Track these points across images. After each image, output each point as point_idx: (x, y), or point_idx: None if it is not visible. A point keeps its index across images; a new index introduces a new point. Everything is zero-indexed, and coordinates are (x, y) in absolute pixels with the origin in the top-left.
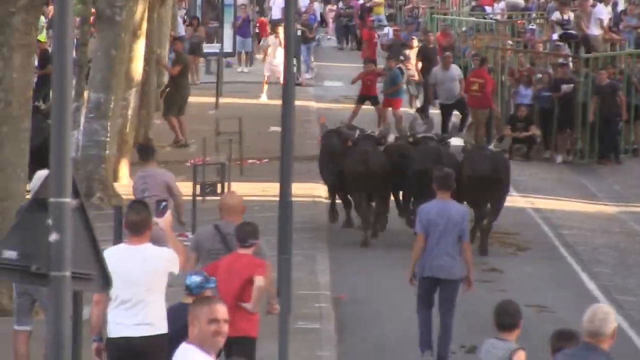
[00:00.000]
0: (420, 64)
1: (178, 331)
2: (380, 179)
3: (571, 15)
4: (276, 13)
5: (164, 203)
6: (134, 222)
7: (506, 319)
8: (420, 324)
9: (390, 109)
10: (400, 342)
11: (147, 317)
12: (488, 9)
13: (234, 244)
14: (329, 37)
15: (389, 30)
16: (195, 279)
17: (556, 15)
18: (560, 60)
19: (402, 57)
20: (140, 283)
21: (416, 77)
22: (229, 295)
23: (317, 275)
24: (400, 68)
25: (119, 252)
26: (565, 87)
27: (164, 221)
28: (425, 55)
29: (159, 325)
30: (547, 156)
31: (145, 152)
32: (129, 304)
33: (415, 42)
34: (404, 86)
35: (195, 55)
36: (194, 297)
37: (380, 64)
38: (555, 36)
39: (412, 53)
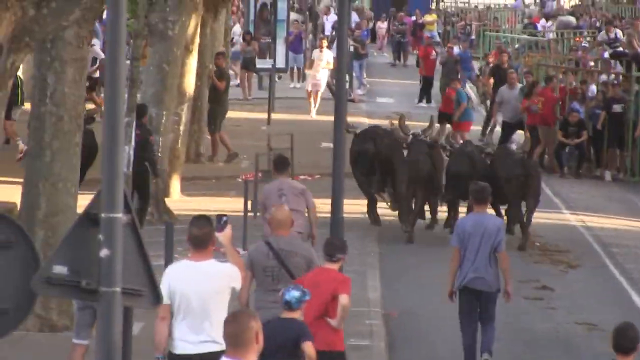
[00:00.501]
0: (492, 82)
1: (277, 347)
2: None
3: (618, 33)
4: (328, 28)
5: (224, 218)
6: (197, 237)
7: (625, 343)
8: (466, 347)
9: (461, 132)
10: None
11: (211, 334)
12: (539, 26)
13: (288, 259)
14: (384, 53)
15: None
16: (295, 293)
17: (602, 35)
18: (612, 78)
19: (477, 73)
20: (203, 299)
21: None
22: (314, 309)
23: (367, 292)
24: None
25: (182, 268)
26: (615, 107)
27: (224, 236)
28: (497, 74)
29: (222, 342)
30: (597, 174)
31: (281, 163)
32: (193, 321)
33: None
34: (471, 107)
35: (249, 71)
36: (294, 311)
37: (436, 81)
38: (605, 54)
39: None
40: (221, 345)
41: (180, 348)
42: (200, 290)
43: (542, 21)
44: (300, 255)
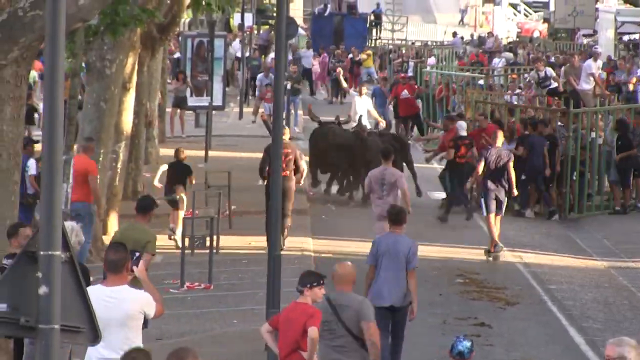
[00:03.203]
0: None
1: None
2: None
3: (548, 70)
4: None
5: (137, 254)
6: (112, 261)
7: None
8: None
9: None
10: None
11: (120, 354)
12: (493, 62)
13: (343, 313)
14: (321, 91)
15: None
16: (466, 343)
17: (532, 75)
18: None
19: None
20: (115, 322)
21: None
22: (288, 344)
23: None
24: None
25: (94, 291)
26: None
27: (139, 271)
28: None
29: None
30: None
31: (388, 153)
32: (106, 342)
33: None
34: None
35: (181, 109)
36: None
37: None
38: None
39: None
40: None
41: None
42: (111, 314)
43: (495, 60)
44: (352, 308)
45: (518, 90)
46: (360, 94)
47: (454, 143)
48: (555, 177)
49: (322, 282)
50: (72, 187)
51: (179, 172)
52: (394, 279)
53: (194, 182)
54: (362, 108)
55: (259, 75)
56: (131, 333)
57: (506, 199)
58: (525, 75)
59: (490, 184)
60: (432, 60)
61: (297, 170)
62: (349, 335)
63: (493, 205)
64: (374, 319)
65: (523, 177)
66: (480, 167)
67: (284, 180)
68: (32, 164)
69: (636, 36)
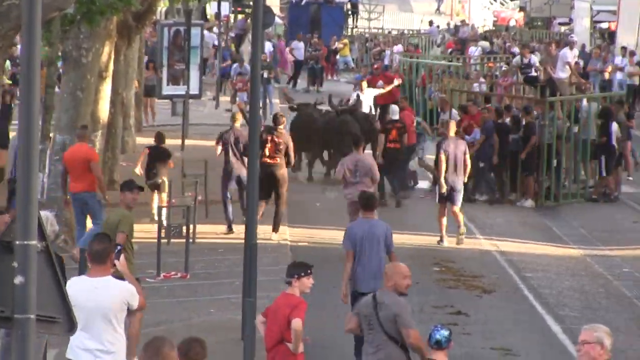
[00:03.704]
0: None
1: None
2: None
3: (533, 58)
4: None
5: (119, 247)
6: (97, 252)
7: None
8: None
9: None
10: None
11: (106, 345)
12: (469, 51)
13: (383, 313)
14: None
15: None
16: (444, 332)
17: (516, 60)
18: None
19: None
20: (99, 312)
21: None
22: (273, 335)
23: None
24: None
25: (79, 282)
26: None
27: (121, 264)
28: None
29: (116, 351)
30: (512, 199)
31: (358, 141)
32: (89, 332)
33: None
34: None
35: (151, 97)
36: (443, 350)
37: None
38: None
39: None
40: (114, 355)
41: (74, 354)
42: (96, 304)
43: (472, 49)
44: (392, 310)
45: (482, 80)
46: (362, 90)
47: (384, 127)
48: (533, 165)
49: (309, 272)
50: (72, 177)
51: (158, 156)
52: (377, 264)
53: (172, 166)
54: (368, 101)
55: (234, 66)
56: (115, 324)
57: (462, 187)
58: (501, 64)
59: (447, 174)
60: (399, 48)
61: (288, 162)
62: (384, 334)
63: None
64: (415, 326)
65: (481, 164)
66: (443, 159)
67: (276, 167)
68: None
69: (612, 25)
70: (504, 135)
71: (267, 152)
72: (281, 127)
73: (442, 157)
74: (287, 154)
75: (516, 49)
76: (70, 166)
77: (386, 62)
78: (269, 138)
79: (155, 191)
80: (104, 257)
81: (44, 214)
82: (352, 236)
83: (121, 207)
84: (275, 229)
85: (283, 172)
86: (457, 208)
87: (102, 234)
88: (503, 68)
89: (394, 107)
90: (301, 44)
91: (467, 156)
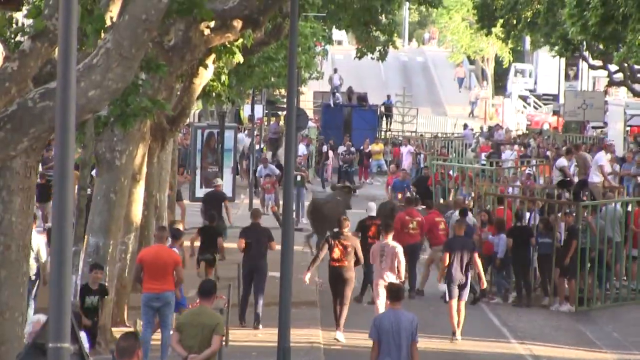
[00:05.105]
0: None
1: None
2: None
3: (573, 163)
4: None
5: None
6: (123, 348)
7: None
8: None
9: None
10: None
11: None
12: (504, 154)
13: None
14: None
15: None
16: None
17: (561, 162)
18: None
19: None
20: None
21: None
22: None
23: None
24: None
25: None
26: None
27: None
28: None
29: None
30: (546, 303)
31: (386, 225)
32: None
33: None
34: None
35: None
36: None
37: None
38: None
39: None
40: None
41: None
42: None
43: (507, 152)
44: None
45: (517, 183)
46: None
47: (361, 224)
48: (574, 269)
49: None
50: (153, 276)
51: (210, 236)
52: (400, 353)
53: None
54: None
55: (259, 167)
56: None
57: (469, 286)
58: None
59: (454, 272)
60: (409, 149)
61: (357, 261)
62: None
63: (455, 291)
64: None
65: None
66: (446, 258)
67: (345, 270)
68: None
69: None
70: (525, 238)
71: (334, 256)
72: (346, 229)
73: (446, 254)
74: (355, 254)
75: (549, 153)
76: (150, 266)
77: (422, 164)
78: (336, 242)
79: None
80: (130, 352)
81: (38, 317)
82: (378, 326)
83: (205, 307)
84: (338, 327)
85: (350, 274)
86: (462, 303)
87: (129, 333)
88: (528, 171)
89: (371, 205)
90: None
91: (476, 256)
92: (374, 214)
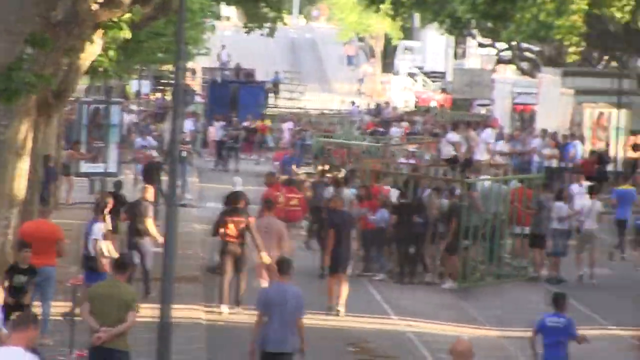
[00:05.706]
0: None
1: None
2: None
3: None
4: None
5: None
6: (16, 321)
7: None
8: None
9: None
10: None
11: None
12: (391, 132)
13: None
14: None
15: None
16: None
17: (453, 137)
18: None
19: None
20: None
21: None
22: None
23: None
24: None
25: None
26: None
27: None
28: None
29: None
30: (429, 280)
31: (268, 204)
32: None
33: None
34: None
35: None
36: None
37: None
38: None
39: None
40: None
41: None
42: None
43: (394, 129)
44: None
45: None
46: None
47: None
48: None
49: None
50: (34, 250)
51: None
52: (286, 327)
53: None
54: None
55: (137, 139)
56: None
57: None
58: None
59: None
60: (289, 125)
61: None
62: None
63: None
64: None
65: None
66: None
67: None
68: (97, 228)
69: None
70: (408, 215)
71: (229, 232)
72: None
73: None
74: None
75: (437, 130)
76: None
77: (307, 142)
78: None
79: None
80: (25, 324)
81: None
82: (264, 299)
83: (120, 281)
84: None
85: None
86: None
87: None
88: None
89: (236, 179)
90: (219, 124)
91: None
92: (239, 188)
